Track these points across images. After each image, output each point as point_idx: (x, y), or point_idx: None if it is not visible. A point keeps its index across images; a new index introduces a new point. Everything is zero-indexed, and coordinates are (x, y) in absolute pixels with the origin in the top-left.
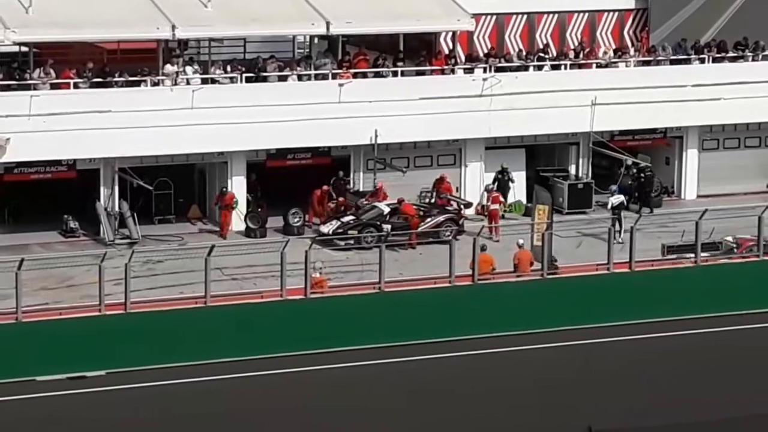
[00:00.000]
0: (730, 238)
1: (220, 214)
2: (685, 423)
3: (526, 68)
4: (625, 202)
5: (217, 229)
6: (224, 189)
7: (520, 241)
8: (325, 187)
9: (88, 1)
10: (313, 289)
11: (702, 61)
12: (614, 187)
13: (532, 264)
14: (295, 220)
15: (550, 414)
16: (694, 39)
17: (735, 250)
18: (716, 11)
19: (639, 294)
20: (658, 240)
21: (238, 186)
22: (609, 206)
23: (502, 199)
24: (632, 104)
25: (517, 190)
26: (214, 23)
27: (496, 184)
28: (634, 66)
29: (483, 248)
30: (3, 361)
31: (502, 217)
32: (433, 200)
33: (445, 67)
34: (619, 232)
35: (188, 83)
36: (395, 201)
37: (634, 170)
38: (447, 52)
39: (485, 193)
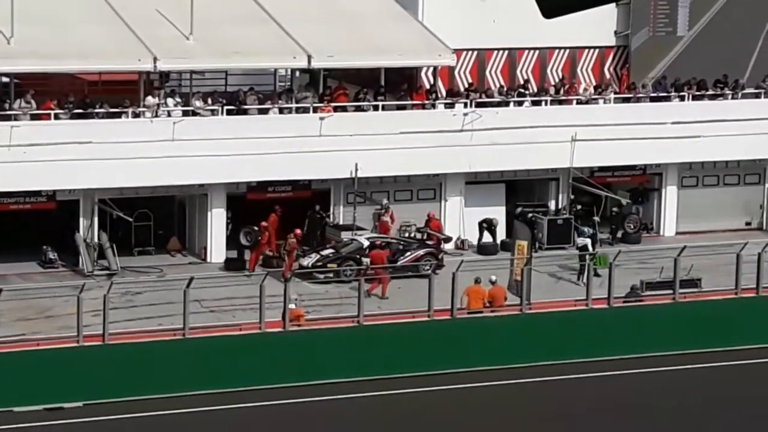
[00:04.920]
0: None
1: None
2: None
3: (506, 104)
4: (589, 246)
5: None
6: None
7: (493, 278)
8: (278, 208)
9: (70, 33)
10: (291, 322)
11: (682, 98)
12: (586, 229)
13: (505, 300)
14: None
15: None
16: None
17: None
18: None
19: (616, 330)
20: (636, 276)
21: (217, 218)
22: (575, 246)
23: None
24: (612, 140)
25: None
26: (196, 56)
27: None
28: (614, 103)
29: (477, 281)
30: None
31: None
32: (423, 236)
33: (426, 101)
34: (582, 272)
35: (169, 115)
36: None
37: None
38: (428, 86)
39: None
